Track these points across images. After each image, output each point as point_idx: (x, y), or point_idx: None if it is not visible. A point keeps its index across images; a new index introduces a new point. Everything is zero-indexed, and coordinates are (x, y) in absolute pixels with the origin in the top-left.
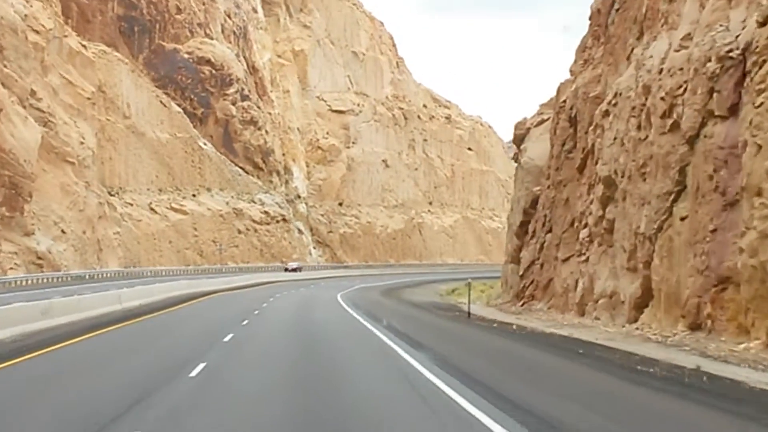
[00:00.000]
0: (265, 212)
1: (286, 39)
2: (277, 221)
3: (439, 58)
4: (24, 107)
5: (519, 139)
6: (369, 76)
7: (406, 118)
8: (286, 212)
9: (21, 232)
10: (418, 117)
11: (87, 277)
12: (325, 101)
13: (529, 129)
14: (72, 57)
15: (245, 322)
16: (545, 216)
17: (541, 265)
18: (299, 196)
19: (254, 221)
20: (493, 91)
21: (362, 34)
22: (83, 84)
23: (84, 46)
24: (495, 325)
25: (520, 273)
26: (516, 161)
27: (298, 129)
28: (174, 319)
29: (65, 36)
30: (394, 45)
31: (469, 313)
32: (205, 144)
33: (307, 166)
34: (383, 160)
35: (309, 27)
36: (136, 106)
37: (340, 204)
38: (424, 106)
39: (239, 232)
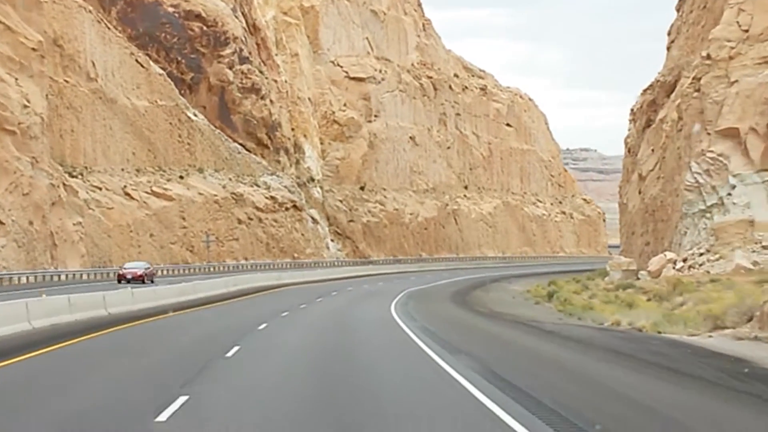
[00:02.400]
0: (272, 198)
1: None
2: (287, 209)
3: (468, 25)
4: None
5: None
6: (391, 39)
7: (435, 89)
8: (297, 198)
9: None
10: (450, 87)
11: None
12: (341, 67)
13: None
14: None
15: None
16: None
17: None
18: (312, 179)
19: (258, 209)
20: (529, 64)
21: None
22: (27, 31)
23: None
24: None
25: None
26: None
27: (309, 99)
28: None
29: None
30: (419, 4)
31: None
32: (195, 115)
33: (322, 143)
34: (411, 137)
35: None
36: (104, 65)
37: (362, 188)
38: (456, 75)
39: (239, 222)
